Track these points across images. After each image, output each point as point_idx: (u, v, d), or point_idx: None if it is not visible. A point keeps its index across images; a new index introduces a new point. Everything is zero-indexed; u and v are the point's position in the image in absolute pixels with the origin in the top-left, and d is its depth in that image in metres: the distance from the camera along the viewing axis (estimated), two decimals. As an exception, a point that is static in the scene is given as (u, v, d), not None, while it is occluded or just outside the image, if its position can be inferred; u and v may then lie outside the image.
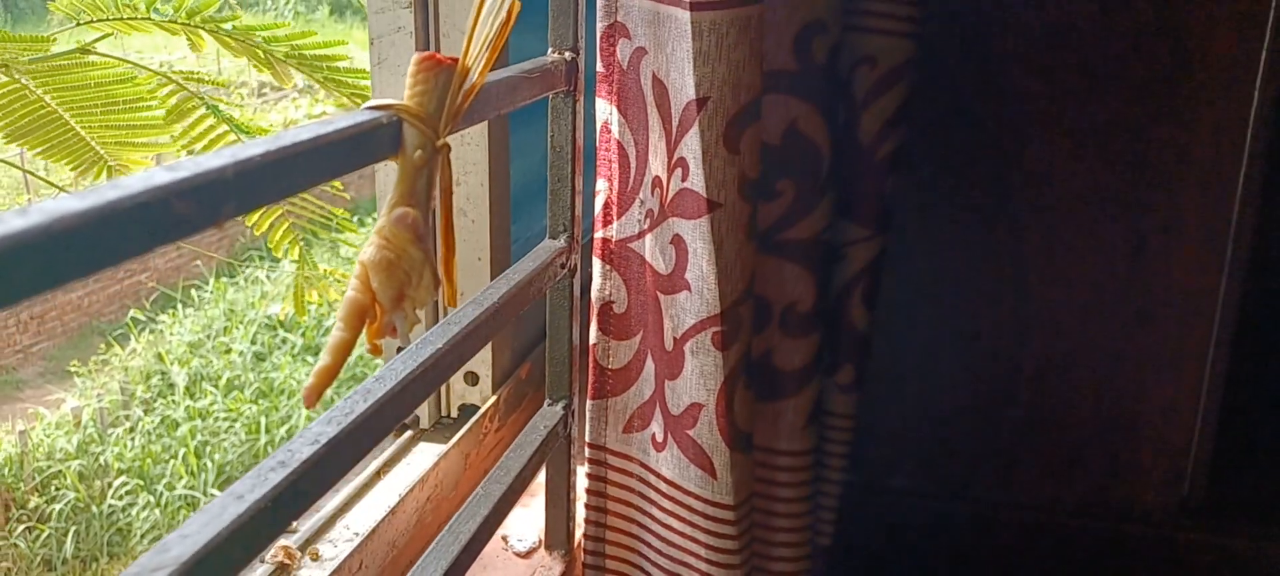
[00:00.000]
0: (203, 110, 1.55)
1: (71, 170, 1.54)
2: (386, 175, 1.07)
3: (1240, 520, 1.56)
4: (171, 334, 6.04)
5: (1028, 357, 1.54)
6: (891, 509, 1.63)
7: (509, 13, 0.69)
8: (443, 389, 1.19)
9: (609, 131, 0.99)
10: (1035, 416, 1.56)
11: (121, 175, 1.53)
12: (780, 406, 1.17)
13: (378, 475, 1.08)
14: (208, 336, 6.00)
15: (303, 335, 5.88)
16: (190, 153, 1.59)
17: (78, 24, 1.51)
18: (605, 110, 0.99)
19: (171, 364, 5.63)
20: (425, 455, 1.13)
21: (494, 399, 1.17)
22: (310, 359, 5.59)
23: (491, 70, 0.73)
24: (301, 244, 1.79)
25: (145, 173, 0.46)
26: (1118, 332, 1.50)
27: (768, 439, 1.18)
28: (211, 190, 0.48)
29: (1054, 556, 1.61)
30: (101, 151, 1.51)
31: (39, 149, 1.50)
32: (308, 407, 0.61)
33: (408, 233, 0.63)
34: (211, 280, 6.88)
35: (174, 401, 5.28)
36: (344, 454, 0.62)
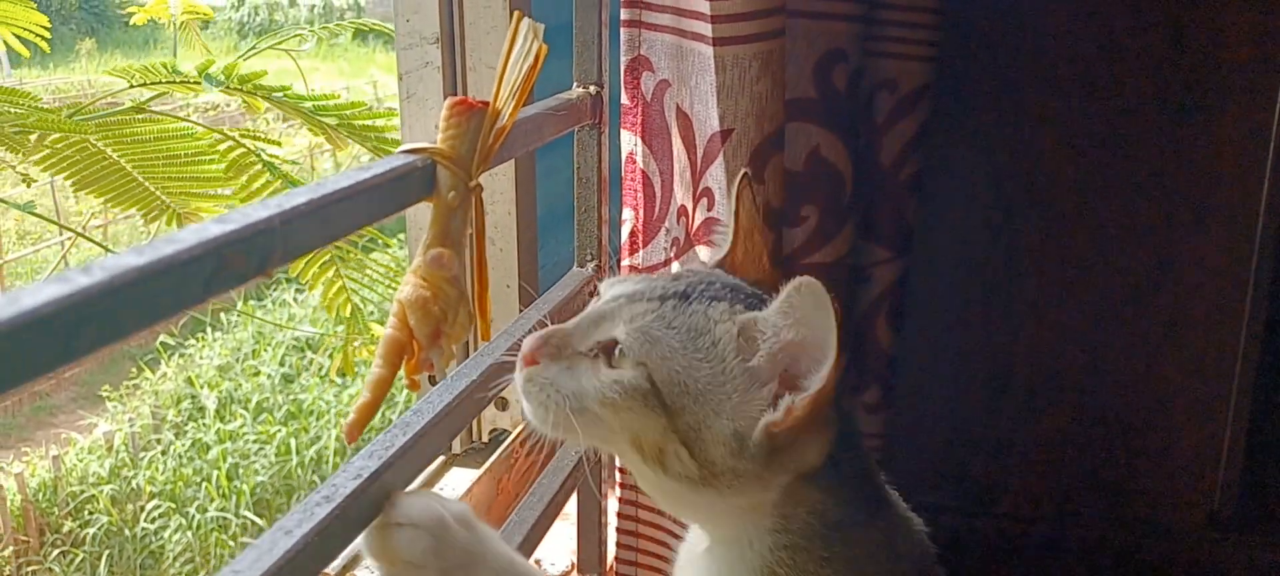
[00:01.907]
0: (259, 166, 1.59)
1: (142, 216, 1.57)
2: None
3: (1273, 533, 1.55)
4: (201, 357, 6.10)
5: (1052, 372, 1.54)
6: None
7: (536, 57, 0.71)
8: (474, 415, 1.21)
9: (634, 162, 1.01)
10: (1062, 431, 1.56)
11: (191, 222, 1.57)
12: (807, 428, 1.18)
13: (412, 501, 1.09)
14: (237, 359, 6.06)
15: (330, 357, 5.93)
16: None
17: (131, 86, 1.54)
18: (630, 141, 1.01)
19: (201, 387, 5.68)
20: (458, 480, 1.15)
21: (524, 423, 1.19)
22: (338, 381, 5.63)
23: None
24: (353, 303, 1.82)
25: (197, 226, 0.48)
26: (1143, 345, 1.50)
27: (795, 460, 1.19)
28: (260, 240, 0.50)
29: (1082, 572, 1.61)
30: (168, 201, 1.54)
31: (108, 197, 1.53)
32: (349, 442, 0.63)
33: (443, 272, 0.66)
34: (239, 303, 6.95)
35: (204, 425, 5.33)
36: (386, 486, 0.64)
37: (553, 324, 0.72)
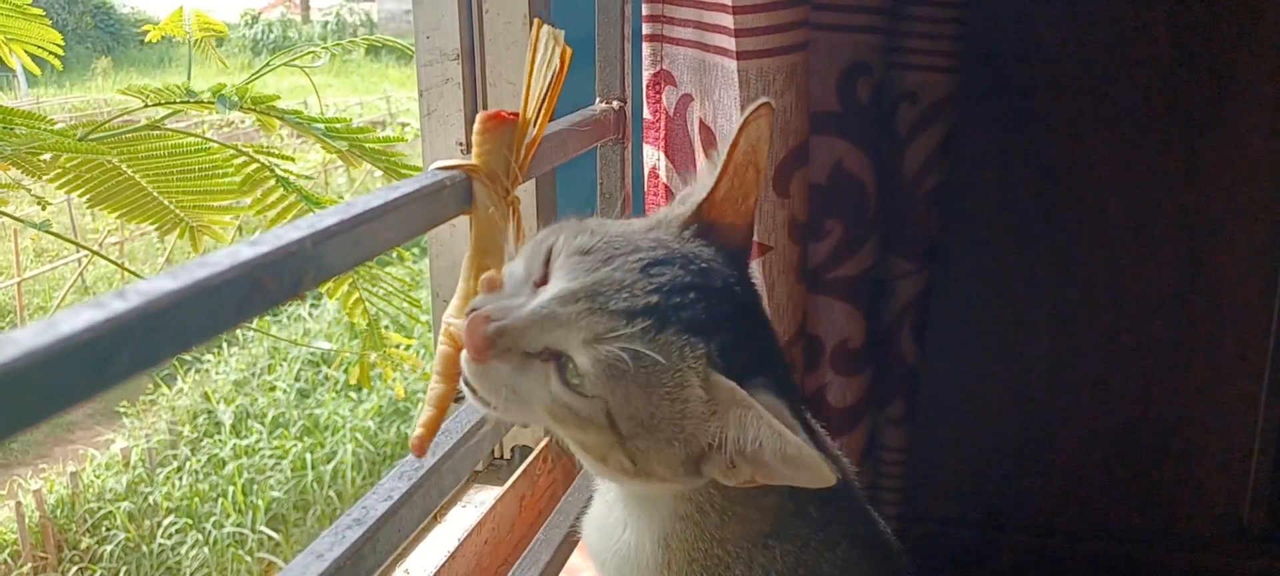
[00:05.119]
0: (273, 181, 1.59)
1: (157, 230, 1.57)
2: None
3: (1302, 545, 1.53)
4: (217, 373, 6.11)
5: (1076, 384, 1.53)
6: (942, 539, 1.62)
7: (562, 62, 0.70)
8: (497, 432, 1.20)
9: (657, 176, 1.00)
10: (1085, 443, 1.55)
11: (205, 235, 1.57)
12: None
13: (435, 517, 1.09)
14: (252, 374, 6.07)
15: (345, 371, 5.94)
16: (269, 221, 1.63)
17: (145, 105, 1.55)
18: (653, 156, 1.00)
19: (217, 402, 5.70)
20: (482, 497, 1.15)
21: (547, 438, 1.19)
22: (354, 394, 5.63)
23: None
24: (372, 315, 1.82)
25: (230, 249, 0.48)
26: (1166, 356, 1.49)
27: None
28: (293, 262, 0.50)
29: (1110, 585, 1.59)
30: (181, 214, 1.54)
31: (121, 211, 1.54)
32: (418, 456, 0.63)
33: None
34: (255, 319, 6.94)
35: (220, 440, 5.34)
36: (416, 507, 0.64)
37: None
